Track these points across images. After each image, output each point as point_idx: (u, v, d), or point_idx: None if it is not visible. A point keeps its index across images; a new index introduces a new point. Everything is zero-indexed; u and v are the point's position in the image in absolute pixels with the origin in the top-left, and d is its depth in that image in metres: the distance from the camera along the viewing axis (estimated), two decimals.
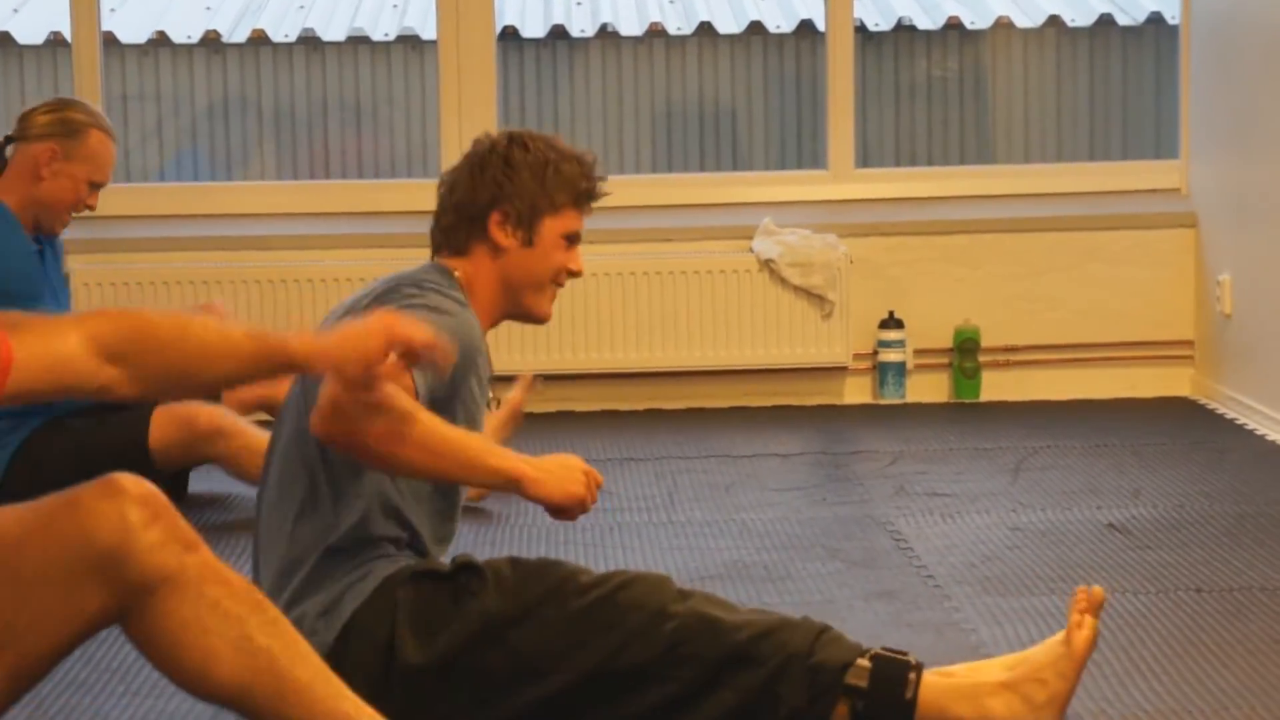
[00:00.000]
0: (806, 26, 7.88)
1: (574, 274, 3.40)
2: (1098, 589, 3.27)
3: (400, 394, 3.03)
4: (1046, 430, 6.41)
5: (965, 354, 7.00)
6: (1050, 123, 7.89)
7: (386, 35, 7.97)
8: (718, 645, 3.16)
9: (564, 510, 3.19)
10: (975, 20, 7.96)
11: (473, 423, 3.27)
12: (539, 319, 3.42)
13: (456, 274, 3.34)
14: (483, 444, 3.15)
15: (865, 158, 7.50)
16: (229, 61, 7.94)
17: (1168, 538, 4.97)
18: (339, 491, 3.19)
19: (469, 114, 7.12)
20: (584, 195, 3.39)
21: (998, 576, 4.62)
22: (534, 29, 8.00)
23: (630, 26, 8.00)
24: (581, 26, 8.00)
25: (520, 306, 3.38)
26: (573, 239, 3.39)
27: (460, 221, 3.35)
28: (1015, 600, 4.41)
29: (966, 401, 6.98)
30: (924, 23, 8.00)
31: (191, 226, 7.05)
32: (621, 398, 6.97)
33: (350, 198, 7.18)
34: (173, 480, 5.28)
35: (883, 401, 6.98)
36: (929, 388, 7.03)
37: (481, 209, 3.34)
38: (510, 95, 7.80)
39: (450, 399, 3.20)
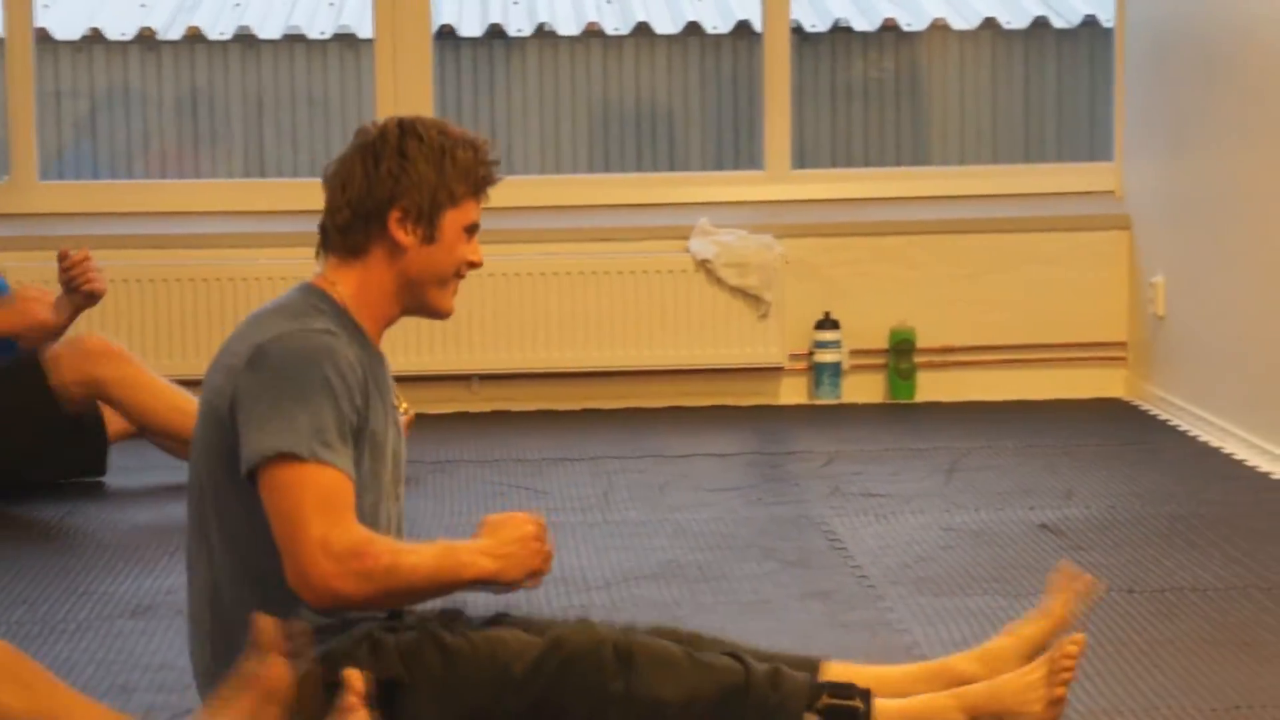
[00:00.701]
0: (743, 27, 7.89)
1: (474, 265, 3.26)
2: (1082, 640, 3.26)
3: (387, 544, 2.99)
4: (981, 431, 6.43)
5: (901, 355, 7.02)
6: (985, 124, 7.92)
7: (323, 33, 7.94)
8: None
9: (529, 582, 3.11)
10: (911, 22, 7.98)
11: (380, 445, 3.14)
12: (441, 314, 3.27)
13: (336, 290, 3.17)
14: (448, 560, 3.03)
15: (802, 158, 7.51)
16: (164, 59, 7.90)
17: (1100, 538, 5.00)
18: (250, 578, 3.07)
19: (406, 113, 7.08)
20: (482, 183, 3.25)
21: (931, 577, 4.64)
22: (471, 28, 7.98)
23: (567, 26, 8.00)
24: (519, 26, 7.99)
25: (422, 303, 3.23)
26: (472, 230, 3.25)
27: (357, 220, 3.17)
28: (948, 600, 4.42)
29: (902, 402, 7.00)
30: (860, 24, 8.01)
31: (125, 224, 7.01)
32: (558, 397, 6.96)
33: (286, 196, 7.14)
34: (93, 457, 5.55)
35: (818, 402, 6.99)
36: (864, 388, 7.04)
37: (380, 206, 3.15)
38: (447, 94, 7.78)
39: (358, 452, 3.09)
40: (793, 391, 7.05)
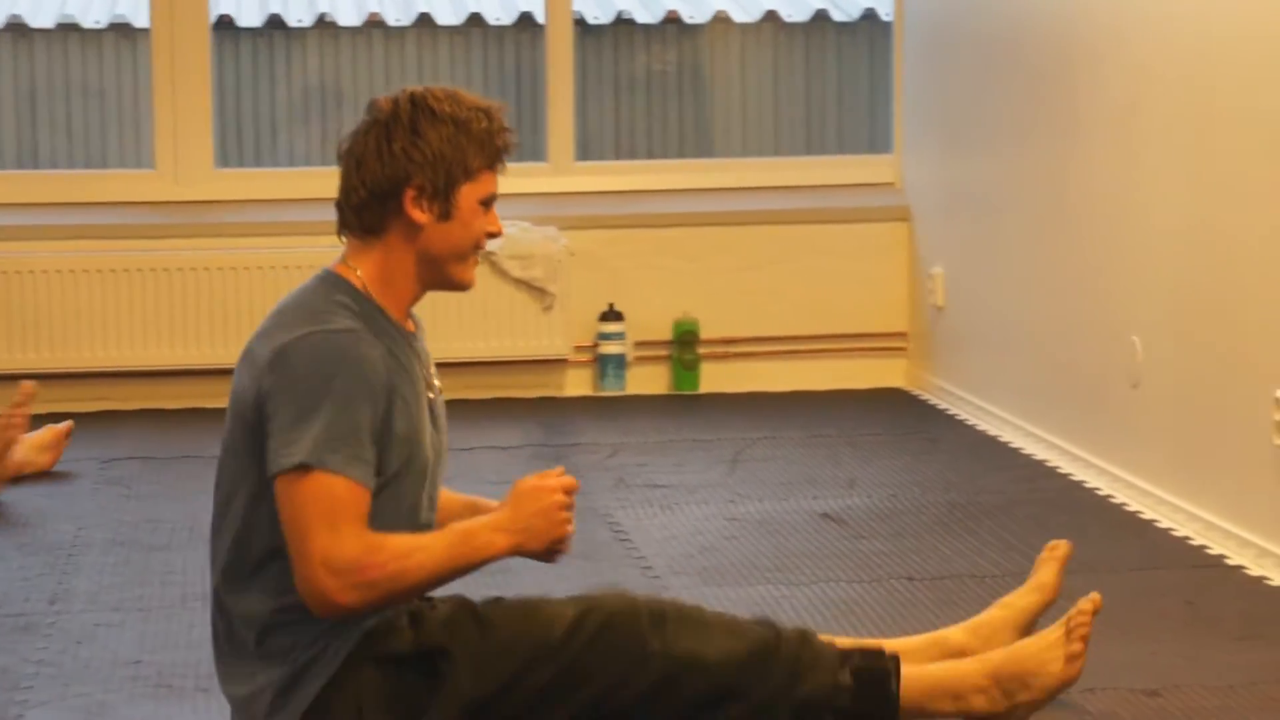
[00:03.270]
0: (526, 19, 7.87)
1: (494, 235, 3.19)
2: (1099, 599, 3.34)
3: (392, 549, 2.97)
4: (764, 421, 6.48)
5: (684, 346, 7.05)
6: (768, 117, 7.97)
7: (97, 23, 7.80)
8: (701, 685, 3.13)
9: (551, 556, 3.09)
10: (694, 14, 8.01)
11: (415, 439, 3.12)
12: (463, 287, 3.22)
13: (357, 275, 3.14)
14: (463, 548, 3.01)
15: (585, 150, 7.51)
16: None
17: (881, 527, 5.05)
18: (280, 564, 3.04)
19: (183, 104, 7.01)
20: (498, 154, 3.17)
21: (715, 567, 4.66)
22: (250, 18, 7.88)
23: (348, 17, 7.93)
24: (299, 17, 7.90)
25: (443, 278, 3.18)
26: (489, 201, 3.17)
27: (372, 200, 3.12)
28: (733, 590, 4.44)
29: (686, 393, 7.03)
30: (643, 16, 8.03)
31: None
32: None
33: (60, 188, 7.03)
34: None
35: (603, 394, 7.00)
36: (649, 380, 7.06)
37: (394, 186, 3.10)
38: (225, 86, 7.69)
39: (384, 453, 3.05)
40: (577, 383, 7.06)
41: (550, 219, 7.00)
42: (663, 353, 7.09)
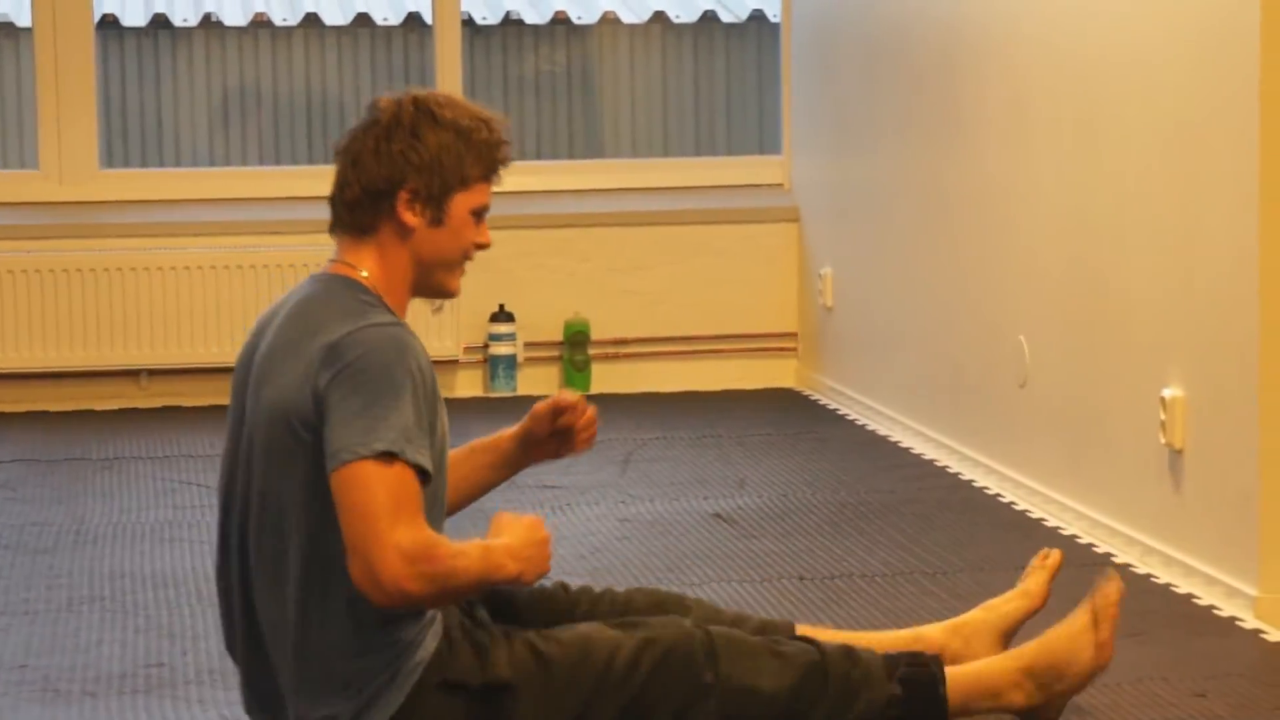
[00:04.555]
0: (414, 19, 7.85)
1: (481, 247, 3.19)
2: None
3: (448, 546, 2.94)
4: (655, 422, 6.48)
5: (575, 347, 7.05)
6: (657, 118, 7.98)
7: None
8: (758, 713, 3.18)
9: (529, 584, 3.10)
10: (582, 15, 8.01)
11: (445, 436, 3.10)
12: (449, 295, 3.21)
13: (364, 275, 3.10)
14: (488, 562, 2.98)
15: None
16: None
17: (772, 527, 5.07)
18: (345, 582, 2.98)
19: (67, 104, 6.94)
20: (495, 166, 3.17)
21: (607, 567, 4.66)
22: (135, 17, 7.82)
23: (234, 16, 7.88)
24: (184, 16, 7.85)
25: (430, 284, 3.15)
26: (480, 213, 3.17)
27: (365, 198, 3.07)
28: None
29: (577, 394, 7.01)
30: (531, 17, 8.02)
31: None
32: (229, 392, 6.84)
33: None
34: None
35: (493, 394, 6.99)
36: (540, 380, 7.05)
37: (389, 186, 3.07)
38: (110, 85, 7.62)
39: (434, 441, 3.04)
40: (468, 384, 7.04)
41: None
42: (554, 353, 7.08)
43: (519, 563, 3.00)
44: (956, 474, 5.66)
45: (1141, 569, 4.61)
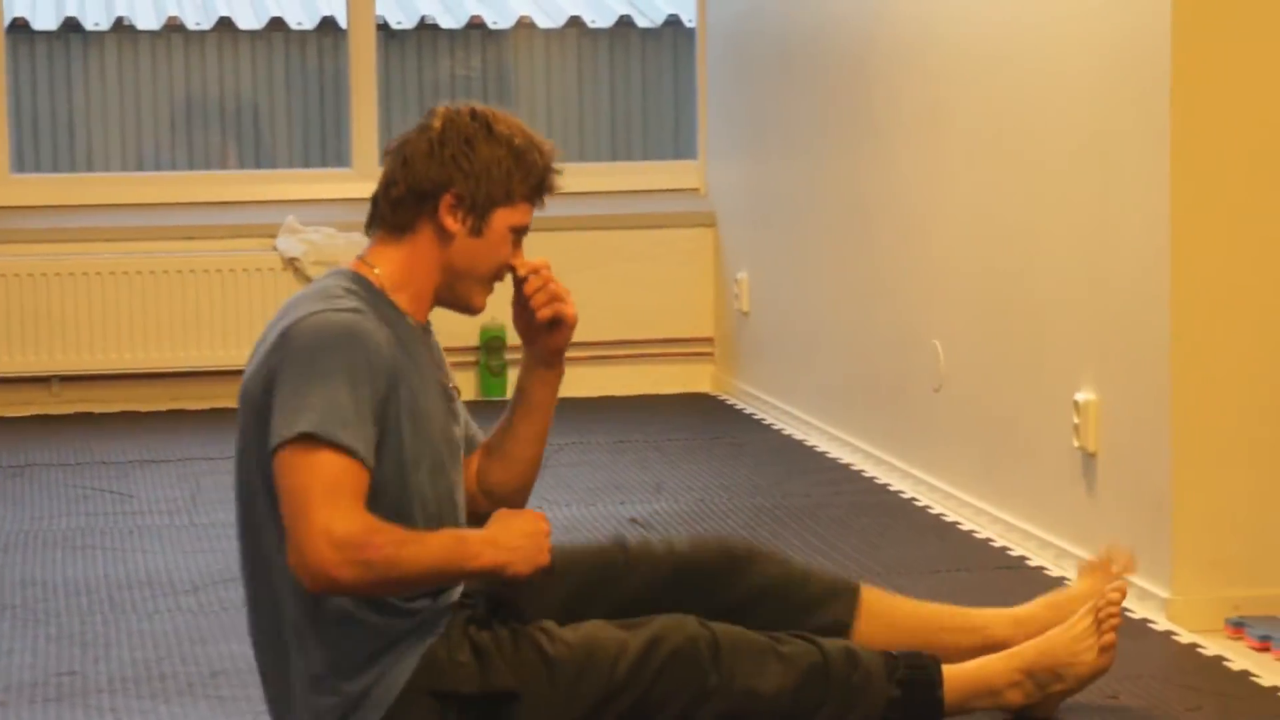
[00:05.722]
0: (329, 23, 7.82)
1: (511, 270, 3.21)
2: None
3: (390, 534, 2.92)
4: (571, 427, 6.47)
5: (491, 352, 7.03)
6: (573, 122, 7.98)
7: None
8: (757, 717, 3.21)
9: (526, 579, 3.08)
10: (497, 20, 8.00)
11: (424, 427, 3.07)
12: (472, 311, 3.22)
13: (375, 273, 3.11)
14: (456, 550, 2.98)
15: None
16: None
17: (688, 531, 5.07)
18: None
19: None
20: (540, 189, 3.19)
21: None
22: (45, 21, 7.76)
23: (147, 20, 7.83)
24: (95, 19, 7.79)
25: (455, 295, 3.17)
26: (520, 232, 3.19)
27: (410, 196, 3.10)
28: None
29: (493, 399, 7.01)
30: (447, 21, 8.01)
31: None
32: (142, 399, 6.82)
33: None
34: None
35: None
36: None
37: (436, 188, 3.10)
38: (20, 89, 7.56)
39: (386, 435, 3.01)
40: None
41: (355, 225, 6.90)
42: (470, 358, 7.06)
43: (503, 553, 3.00)
44: (872, 478, 5.68)
45: (1055, 572, 4.63)
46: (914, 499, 5.41)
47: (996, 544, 4.92)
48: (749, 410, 6.79)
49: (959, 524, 5.13)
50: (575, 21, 8.01)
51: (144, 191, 7.12)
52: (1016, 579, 4.60)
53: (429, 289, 3.15)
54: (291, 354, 2.98)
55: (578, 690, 3.12)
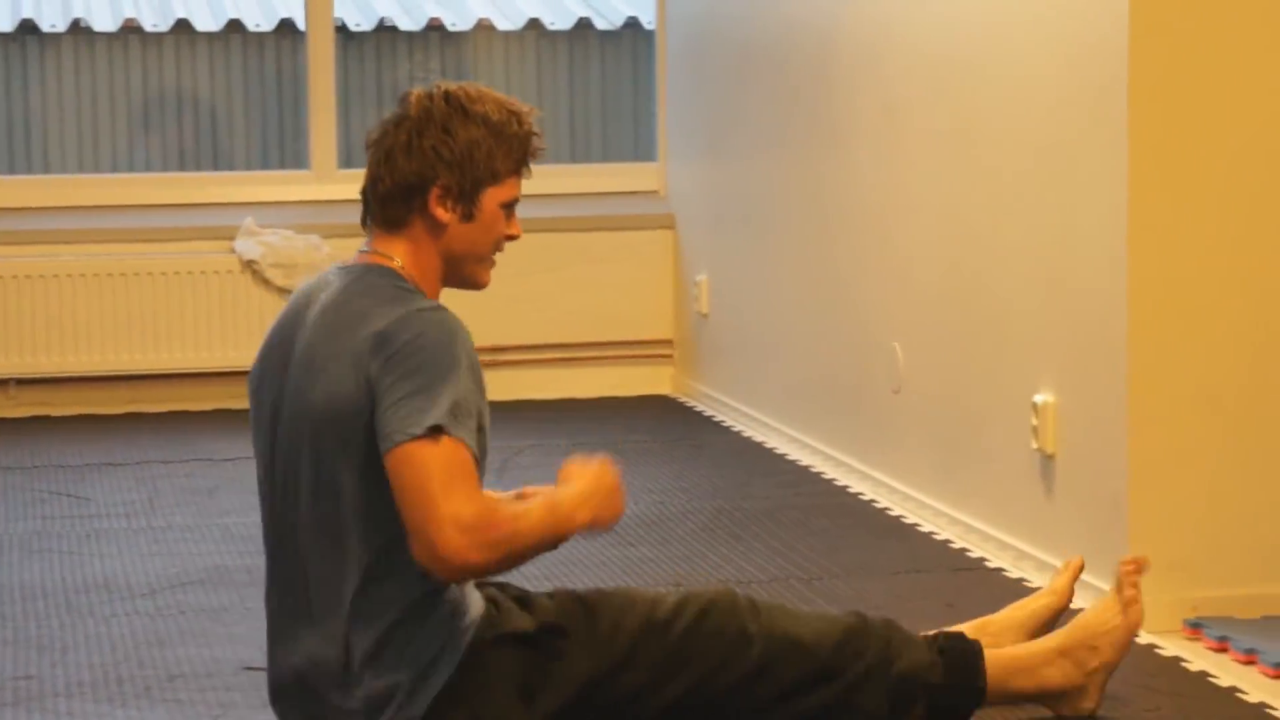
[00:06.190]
0: (286, 25, 7.80)
1: (512, 238, 3.23)
2: (1144, 558, 3.54)
3: (506, 511, 2.99)
4: (531, 429, 6.47)
5: None
6: None
7: None
8: (800, 665, 3.26)
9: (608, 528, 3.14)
10: (457, 22, 7.99)
11: (488, 423, 3.13)
12: (479, 287, 3.26)
13: (398, 264, 3.14)
14: (555, 516, 3.04)
15: (349, 158, 7.45)
16: None
17: (649, 533, 5.07)
18: (403, 558, 3.02)
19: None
20: (524, 159, 3.21)
21: None
22: (1, 23, 7.73)
23: (104, 22, 7.80)
24: (52, 21, 7.76)
25: (461, 277, 3.21)
26: (511, 206, 3.20)
27: (398, 193, 3.12)
28: None
29: None
30: (406, 24, 7.99)
31: None
32: (100, 401, 6.79)
33: None
34: None
35: None
36: None
37: (421, 182, 3.12)
38: None
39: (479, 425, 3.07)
40: None
41: (313, 227, 6.93)
42: None
43: (591, 510, 3.06)
44: (832, 480, 5.68)
45: (1014, 573, 4.64)
46: (873, 501, 5.42)
47: (955, 545, 4.93)
48: (708, 412, 6.79)
49: (918, 525, 5.14)
50: (534, 23, 8.00)
51: (101, 193, 7.10)
52: (975, 580, 4.61)
53: (435, 277, 3.20)
54: (401, 354, 3.01)
55: (618, 630, 3.20)
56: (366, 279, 3.14)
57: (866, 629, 3.33)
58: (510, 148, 3.17)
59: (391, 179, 3.13)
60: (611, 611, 3.23)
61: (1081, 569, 3.74)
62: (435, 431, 2.95)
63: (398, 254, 3.15)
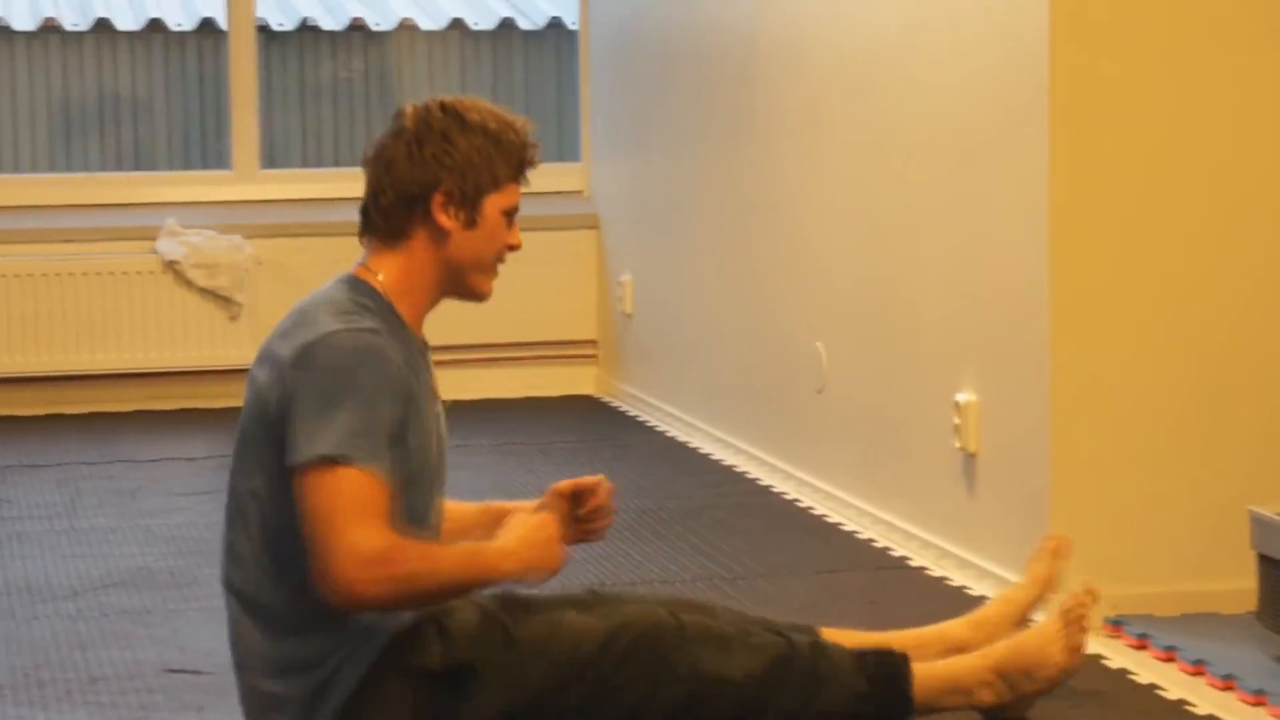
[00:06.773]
0: (208, 25, 7.77)
1: (513, 248, 3.26)
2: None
3: (414, 549, 2.97)
4: (456, 429, 6.41)
5: None
6: None
7: None
8: (723, 703, 3.22)
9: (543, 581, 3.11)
10: (379, 22, 7.97)
11: (425, 447, 3.12)
12: (480, 298, 3.27)
13: (379, 279, 3.15)
14: (475, 563, 3.03)
15: (271, 158, 7.43)
16: None
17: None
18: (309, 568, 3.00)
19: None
20: (523, 166, 3.23)
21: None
22: None
23: (23, 21, 7.75)
24: None
25: (463, 287, 3.23)
26: (512, 213, 3.23)
27: (400, 202, 3.14)
28: None
29: None
30: (328, 23, 7.97)
31: None
32: (20, 403, 6.75)
33: None
34: None
35: None
36: None
37: (424, 190, 3.13)
38: None
39: (396, 456, 3.04)
40: None
41: (236, 227, 6.91)
42: None
43: (519, 563, 3.04)
44: (755, 480, 5.70)
45: (936, 572, 4.67)
46: (796, 500, 5.43)
47: (878, 544, 4.95)
48: (633, 412, 6.79)
49: (841, 525, 5.16)
50: (457, 23, 7.99)
51: (21, 194, 7.05)
52: (898, 579, 4.63)
53: (430, 292, 3.21)
54: (313, 373, 3.02)
55: (538, 666, 3.14)
56: (334, 290, 3.17)
57: (793, 659, 3.29)
58: (509, 154, 3.20)
59: (394, 189, 3.15)
60: (534, 645, 3.15)
61: (1058, 550, 3.74)
62: (335, 459, 2.95)
63: (385, 269, 3.17)
